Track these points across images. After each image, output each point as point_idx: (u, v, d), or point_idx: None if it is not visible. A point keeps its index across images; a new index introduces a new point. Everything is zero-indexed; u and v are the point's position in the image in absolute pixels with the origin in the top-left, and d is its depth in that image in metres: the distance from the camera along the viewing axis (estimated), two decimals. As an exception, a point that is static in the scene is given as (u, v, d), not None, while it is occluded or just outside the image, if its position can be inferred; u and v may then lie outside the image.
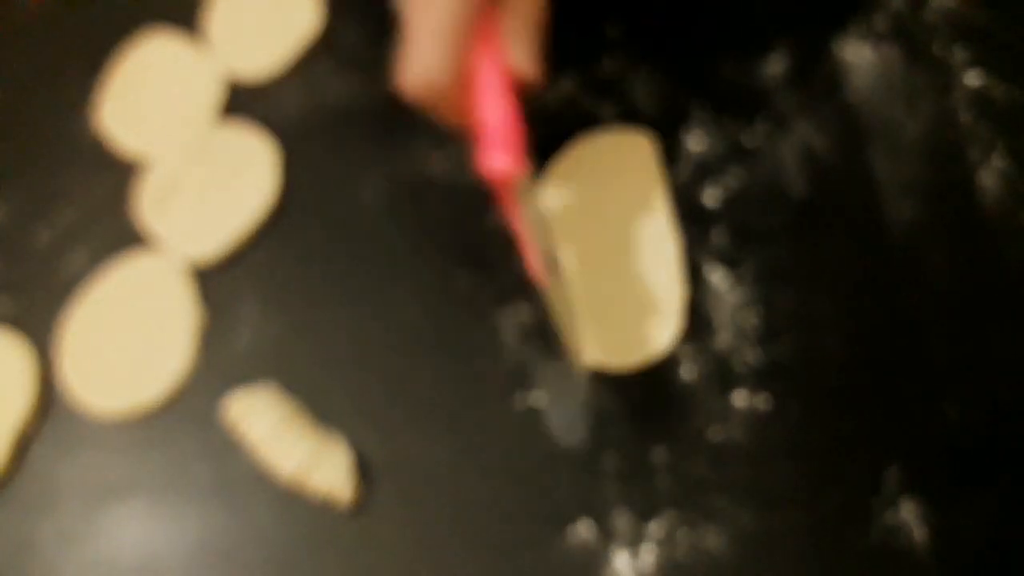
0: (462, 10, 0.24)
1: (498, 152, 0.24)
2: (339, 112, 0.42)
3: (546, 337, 0.35)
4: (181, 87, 0.44)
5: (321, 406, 0.36)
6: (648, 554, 0.31)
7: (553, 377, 0.35)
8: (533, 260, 0.29)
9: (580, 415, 0.32)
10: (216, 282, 0.39)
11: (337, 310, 0.38)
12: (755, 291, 0.35)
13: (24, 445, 0.37)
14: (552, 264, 0.29)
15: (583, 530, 0.32)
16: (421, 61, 0.25)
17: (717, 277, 0.35)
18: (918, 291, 0.34)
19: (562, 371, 0.34)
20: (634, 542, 0.32)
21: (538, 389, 0.34)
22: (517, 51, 0.26)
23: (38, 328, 0.40)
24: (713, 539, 0.31)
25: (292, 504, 0.34)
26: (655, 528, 0.32)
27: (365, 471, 0.34)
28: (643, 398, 0.34)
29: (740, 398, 0.33)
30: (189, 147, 0.42)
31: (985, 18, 0.39)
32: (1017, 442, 0.31)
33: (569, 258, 0.36)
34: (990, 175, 0.36)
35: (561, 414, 0.33)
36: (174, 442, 0.36)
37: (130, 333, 0.39)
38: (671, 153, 0.38)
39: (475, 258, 0.37)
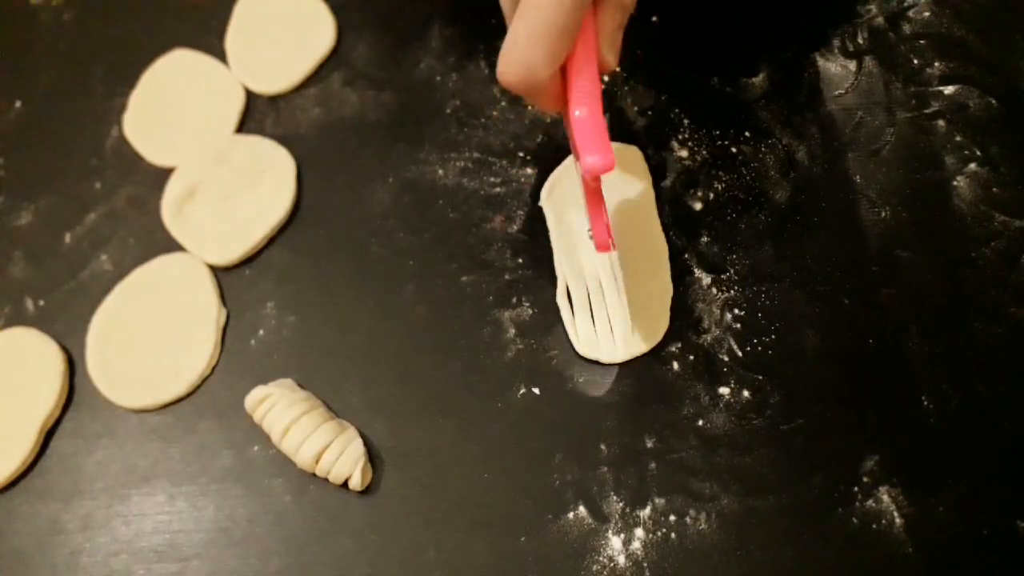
0: (572, 15, 0.26)
1: (596, 154, 0.27)
2: (350, 123, 0.43)
3: (544, 333, 0.37)
4: (203, 100, 0.45)
5: (335, 398, 0.37)
6: (639, 538, 0.33)
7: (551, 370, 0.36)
8: (602, 232, 0.32)
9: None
10: (235, 283, 0.41)
11: (349, 309, 0.39)
12: (740, 290, 0.36)
13: (50, 435, 0.39)
14: (612, 236, 0.33)
15: (578, 514, 0.33)
16: (526, 57, 0.26)
17: (704, 277, 0.37)
18: (896, 290, 0.35)
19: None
20: (626, 526, 0.33)
21: (536, 382, 0.36)
22: (606, 48, 0.28)
23: (65, 327, 0.41)
24: (701, 523, 0.33)
25: (308, 490, 0.36)
26: (646, 513, 0.33)
27: (376, 458, 0.36)
28: (635, 391, 0.35)
29: (726, 391, 0.35)
30: (211, 156, 0.43)
31: (961, 32, 0.41)
32: (990, 433, 0.33)
33: (565, 261, 0.38)
34: (966, 181, 0.37)
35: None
36: (195, 432, 0.38)
37: (154, 332, 0.40)
38: (661, 162, 0.39)
39: (478, 260, 0.39)
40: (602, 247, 0.32)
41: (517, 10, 0.26)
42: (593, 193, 0.31)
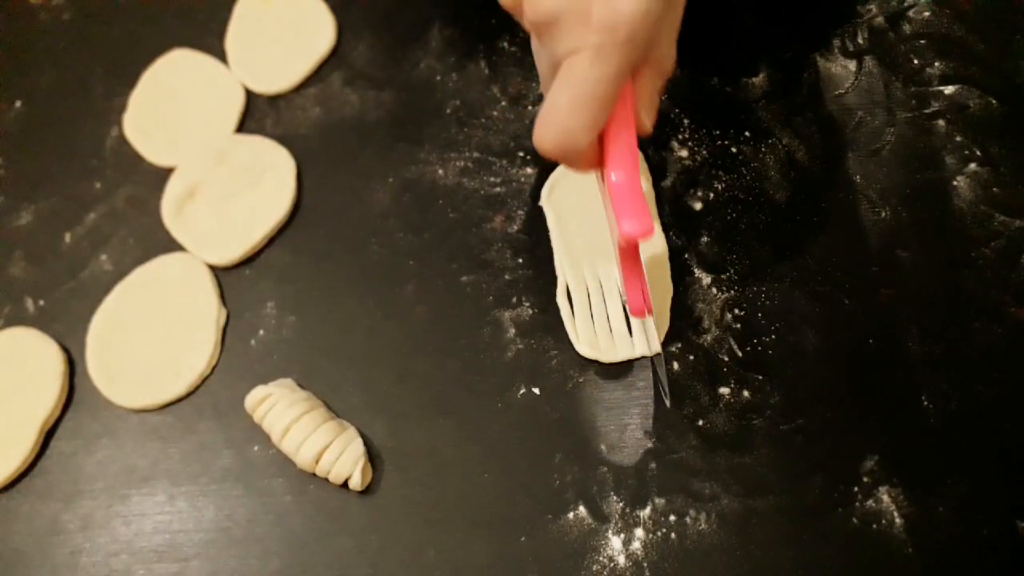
0: (614, 84, 0.26)
1: (633, 219, 0.27)
2: (350, 123, 0.43)
3: (544, 333, 0.37)
4: (204, 100, 0.45)
5: (335, 398, 0.37)
6: (639, 538, 0.33)
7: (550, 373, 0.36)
8: (636, 298, 0.32)
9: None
10: (235, 283, 0.41)
11: (349, 309, 0.39)
12: (740, 290, 0.36)
13: (50, 435, 0.39)
14: (648, 302, 0.32)
15: (578, 515, 0.34)
16: (566, 125, 0.26)
17: (704, 277, 0.37)
18: (896, 290, 0.35)
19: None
20: (626, 526, 0.33)
21: (536, 382, 0.36)
22: (644, 113, 0.28)
23: (65, 327, 0.41)
24: (701, 523, 0.33)
25: (308, 490, 0.36)
26: (646, 513, 0.33)
27: (376, 458, 0.36)
28: (635, 391, 0.35)
29: (726, 391, 0.35)
30: (211, 156, 0.43)
31: (961, 32, 0.41)
32: (990, 433, 0.33)
33: (565, 261, 0.38)
34: (966, 181, 0.37)
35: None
36: (195, 432, 0.38)
37: (154, 332, 0.40)
38: (662, 162, 0.39)
39: (478, 260, 0.39)
40: (637, 313, 0.32)
41: (557, 77, 0.26)
42: (629, 257, 0.30)
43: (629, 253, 0.30)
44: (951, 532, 0.31)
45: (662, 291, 0.36)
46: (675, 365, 0.36)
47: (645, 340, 0.35)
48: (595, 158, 0.28)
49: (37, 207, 0.45)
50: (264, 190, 0.42)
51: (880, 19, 0.41)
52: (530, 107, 0.42)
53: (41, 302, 0.42)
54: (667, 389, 0.34)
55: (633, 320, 0.35)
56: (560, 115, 0.26)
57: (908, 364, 0.34)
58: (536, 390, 0.36)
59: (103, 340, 0.40)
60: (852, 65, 0.40)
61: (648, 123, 0.29)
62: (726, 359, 0.35)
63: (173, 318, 0.40)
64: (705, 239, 0.38)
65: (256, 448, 0.37)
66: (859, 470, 0.33)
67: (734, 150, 0.39)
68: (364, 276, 0.40)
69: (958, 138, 0.38)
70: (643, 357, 0.36)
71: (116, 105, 0.46)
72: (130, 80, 0.47)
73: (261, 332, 0.39)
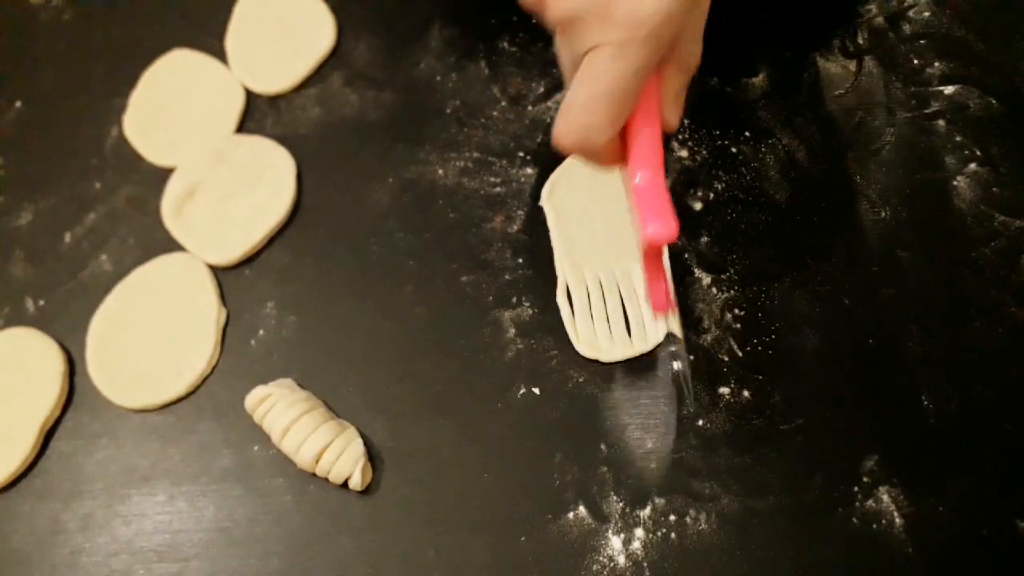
0: (636, 80, 0.25)
1: (657, 222, 0.26)
2: (350, 123, 0.43)
3: (544, 333, 0.37)
4: (203, 100, 0.45)
5: (335, 398, 0.37)
6: (639, 538, 0.33)
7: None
8: (659, 296, 0.31)
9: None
10: (235, 283, 0.41)
11: (349, 309, 0.39)
12: (740, 290, 0.36)
13: (50, 435, 0.39)
14: (671, 299, 0.32)
15: (578, 515, 0.34)
16: (586, 120, 0.25)
17: (704, 277, 0.37)
18: (896, 290, 0.35)
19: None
20: (626, 526, 0.33)
21: (536, 382, 0.36)
22: (668, 110, 0.28)
23: (65, 327, 0.41)
24: (701, 523, 0.33)
25: (308, 490, 0.36)
26: (646, 513, 0.33)
27: (376, 458, 0.36)
28: (635, 391, 0.35)
29: (726, 390, 0.35)
30: (211, 156, 0.43)
31: (961, 32, 0.41)
32: (990, 433, 0.33)
33: (565, 261, 0.38)
34: (966, 181, 0.37)
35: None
36: (195, 432, 0.38)
37: (154, 332, 0.40)
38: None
39: (478, 260, 0.39)
40: (659, 310, 0.32)
41: (579, 71, 0.26)
42: (653, 258, 0.30)
43: (652, 254, 0.30)
44: (951, 532, 0.31)
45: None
46: (675, 365, 0.35)
47: (668, 332, 0.34)
48: (616, 154, 0.27)
49: (37, 207, 0.45)
50: (264, 190, 0.42)
51: (880, 19, 0.41)
52: (530, 107, 0.42)
53: (41, 302, 0.42)
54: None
55: (642, 319, 0.35)
56: (579, 111, 0.26)
57: (908, 364, 0.34)
58: (536, 390, 0.36)
59: (103, 340, 0.40)
60: (852, 65, 0.40)
61: (673, 121, 0.28)
62: (726, 359, 0.35)
63: (173, 318, 0.40)
64: (705, 239, 0.38)
65: (256, 448, 0.37)
66: (859, 470, 0.33)
67: (734, 150, 0.39)
68: (364, 276, 0.40)
69: (958, 138, 0.38)
70: (641, 356, 0.36)
71: (116, 105, 0.46)
72: (130, 80, 0.47)
73: (261, 332, 0.39)
